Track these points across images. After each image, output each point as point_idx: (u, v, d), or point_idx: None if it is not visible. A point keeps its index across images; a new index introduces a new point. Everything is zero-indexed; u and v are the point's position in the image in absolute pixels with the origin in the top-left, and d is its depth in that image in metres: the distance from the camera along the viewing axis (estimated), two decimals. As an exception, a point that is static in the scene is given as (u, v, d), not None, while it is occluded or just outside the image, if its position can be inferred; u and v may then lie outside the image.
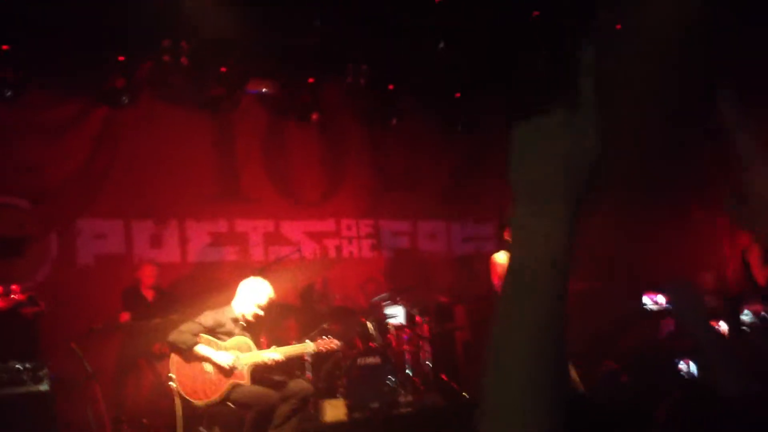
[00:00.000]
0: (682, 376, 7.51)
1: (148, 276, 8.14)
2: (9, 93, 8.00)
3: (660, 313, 8.66)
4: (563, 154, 1.18)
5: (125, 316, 7.76)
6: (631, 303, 9.18)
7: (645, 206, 9.72)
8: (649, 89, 8.46)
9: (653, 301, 8.49)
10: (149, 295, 8.10)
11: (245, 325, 6.39)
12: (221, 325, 6.29)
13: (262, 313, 6.39)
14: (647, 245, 9.74)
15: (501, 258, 6.42)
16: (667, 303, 8.40)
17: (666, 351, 8.25)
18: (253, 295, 6.39)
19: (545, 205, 1.17)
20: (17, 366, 5.94)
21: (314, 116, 9.94)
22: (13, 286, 6.43)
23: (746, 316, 7.23)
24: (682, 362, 7.56)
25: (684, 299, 7.24)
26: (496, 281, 6.47)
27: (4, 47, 7.88)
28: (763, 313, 7.21)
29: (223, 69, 9.11)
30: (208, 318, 6.27)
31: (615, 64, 8.65)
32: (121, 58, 8.58)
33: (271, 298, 6.44)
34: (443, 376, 8.64)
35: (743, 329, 7.18)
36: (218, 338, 6.24)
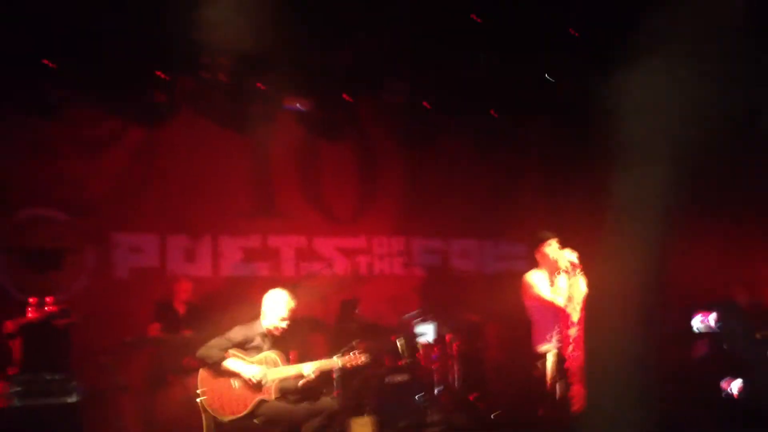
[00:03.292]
0: (717, 398, 7.40)
1: (183, 291, 8.24)
2: (50, 109, 8.18)
3: (700, 335, 8.51)
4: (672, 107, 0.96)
5: (155, 327, 7.85)
6: (669, 322, 9.06)
7: (682, 224, 9.58)
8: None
9: (704, 322, 8.34)
10: (181, 309, 8.20)
11: (273, 340, 6.43)
12: (250, 341, 6.34)
13: (284, 325, 6.42)
14: (682, 263, 9.59)
15: (533, 278, 6.38)
16: (716, 324, 8.26)
17: (699, 373, 8.13)
18: (274, 307, 6.43)
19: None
20: (47, 377, 6.03)
21: (349, 133, 10.02)
22: (47, 298, 6.54)
23: None
24: (722, 383, 7.43)
25: (733, 320, 7.21)
26: (528, 302, 6.42)
27: (46, 62, 8.06)
28: None
29: (260, 86, 9.21)
30: (237, 333, 6.33)
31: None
32: (161, 74, 8.73)
33: (292, 309, 6.47)
34: (471, 396, 8.58)
35: None
36: (247, 353, 6.29)
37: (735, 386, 7.01)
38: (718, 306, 8.13)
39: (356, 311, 8.50)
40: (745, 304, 8.68)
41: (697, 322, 8.01)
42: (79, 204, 8.48)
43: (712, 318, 7.86)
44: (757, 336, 7.53)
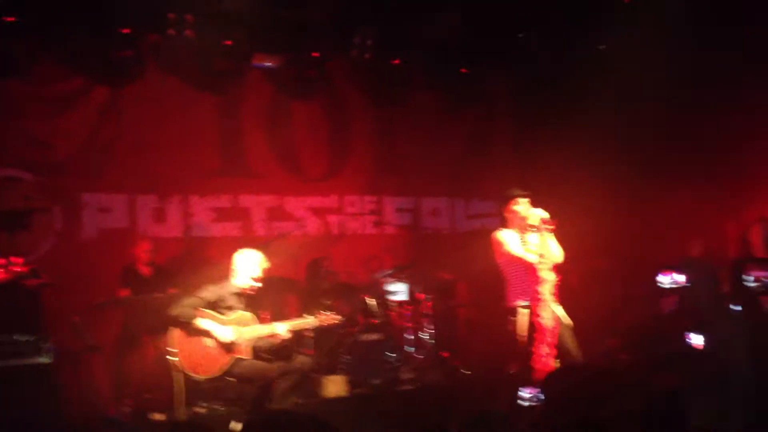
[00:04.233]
0: (681, 354, 7.56)
1: (143, 252, 8.14)
2: (13, 67, 8.01)
3: (668, 291, 8.63)
4: None
5: (125, 293, 7.80)
6: (638, 280, 9.23)
7: (649, 184, 9.70)
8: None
9: (672, 279, 8.48)
10: (146, 271, 8.11)
11: (246, 299, 6.41)
12: (223, 300, 6.31)
13: (258, 285, 6.40)
14: (650, 223, 9.74)
15: (503, 235, 6.39)
16: (685, 282, 8.38)
17: (666, 329, 8.28)
18: (246, 267, 6.41)
19: None
20: (19, 338, 5.96)
21: (319, 90, 9.94)
22: (15, 258, 6.44)
23: (748, 282, 7.23)
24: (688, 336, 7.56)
25: (698, 278, 7.27)
26: (499, 259, 6.44)
27: (9, 19, 7.86)
28: (764, 278, 7.21)
29: (228, 42, 9.08)
30: (209, 292, 6.29)
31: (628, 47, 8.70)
32: (126, 31, 8.57)
33: (265, 269, 6.44)
34: (444, 354, 8.66)
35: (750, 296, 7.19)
36: (220, 313, 6.26)
37: (697, 340, 7.15)
38: (684, 263, 8.27)
39: (324, 269, 8.51)
40: (707, 259, 8.83)
41: (665, 280, 8.13)
42: (46, 164, 8.36)
43: (678, 275, 7.98)
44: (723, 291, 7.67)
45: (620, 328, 8.72)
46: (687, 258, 8.70)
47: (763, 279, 7.14)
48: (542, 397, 5.50)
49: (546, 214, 6.14)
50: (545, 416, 3.53)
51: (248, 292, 6.41)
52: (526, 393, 5.62)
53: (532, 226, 6.14)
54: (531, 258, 6.07)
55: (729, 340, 6.56)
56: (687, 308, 8.09)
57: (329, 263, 8.76)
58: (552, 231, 6.12)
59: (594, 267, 9.19)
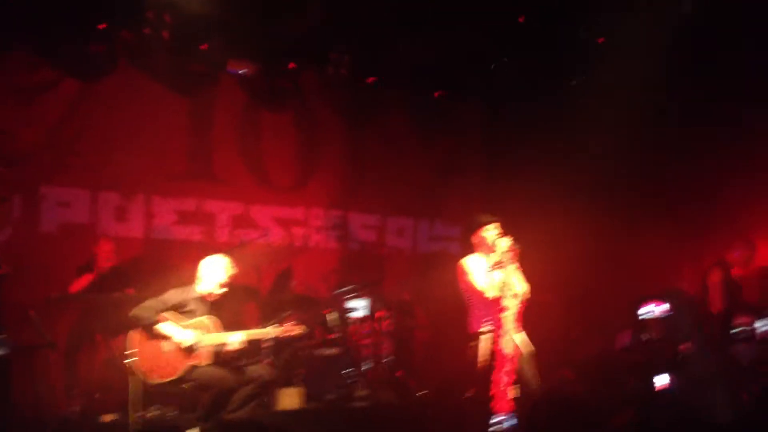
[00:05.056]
0: (635, 390, 7.62)
1: (104, 251, 7.99)
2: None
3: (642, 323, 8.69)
4: None
5: (79, 284, 7.64)
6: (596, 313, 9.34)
7: (613, 220, 9.84)
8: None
9: (649, 310, 8.55)
10: (105, 271, 7.96)
11: (208, 305, 6.34)
12: (185, 304, 6.24)
13: (222, 290, 6.35)
14: (611, 257, 9.86)
15: (469, 264, 6.40)
16: (668, 311, 8.44)
17: (620, 364, 8.37)
18: (213, 272, 6.35)
19: None
20: (-27, 330, 5.83)
21: (292, 102, 9.93)
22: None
23: (736, 331, 7.33)
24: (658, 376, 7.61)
25: (681, 307, 7.33)
26: (462, 286, 6.45)
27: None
28: (747, 327, 7.32)
29: (204, 47, 9.03)
30: (172, 296, 6.22)
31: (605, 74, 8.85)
32: (101, 26, 8.47)
33: (231, 276, 6.40)
34: (400, 373, 8.65)
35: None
36: (181, 317, 6.18)
37: (661, 381, 7.21)
38: (668, 294, 8.30)
39: (291, 283, 8.45)
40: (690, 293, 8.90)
41: (647, 310, 8.18)
42: (7, 153, 8.16)
43: (661, 307, 8.03)
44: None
45: (576, 360, 8.81)
46: (671, 288, 8.70)
47: (745, 328, 7.26)
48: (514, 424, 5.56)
49: (512, 244, 6.16)
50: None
51: (211, 297, 6.34)
52: (494, 419, 5.63)
53: (498, 263, 6.14)
54: (490, 294, 6.08)
55: (702, 379, 6.63)
56: (640, 343, 8.15)
57: (295, 279, 8.71)
58: (516, 261, 6.14)
59: (550, 299, 9.28)
